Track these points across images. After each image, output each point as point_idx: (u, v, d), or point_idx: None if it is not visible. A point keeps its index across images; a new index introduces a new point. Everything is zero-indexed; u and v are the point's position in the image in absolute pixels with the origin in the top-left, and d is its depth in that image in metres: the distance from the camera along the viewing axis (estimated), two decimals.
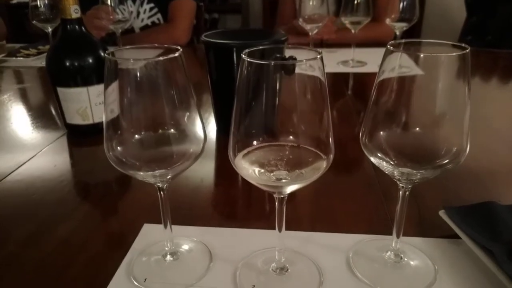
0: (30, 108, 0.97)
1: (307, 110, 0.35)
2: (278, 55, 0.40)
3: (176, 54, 0.35)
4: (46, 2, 1.30)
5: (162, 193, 0.41)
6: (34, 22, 1.30)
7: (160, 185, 0.40)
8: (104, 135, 0.37)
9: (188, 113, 0.38)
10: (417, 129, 0.38)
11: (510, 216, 0.46)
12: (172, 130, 0.38)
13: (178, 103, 0.38)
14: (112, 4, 1.22)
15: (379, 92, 0.37)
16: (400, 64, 0.35)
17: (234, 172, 0.37)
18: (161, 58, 0.34)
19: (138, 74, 0.35)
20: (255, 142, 0.37)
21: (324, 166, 0.35)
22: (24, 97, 1.06)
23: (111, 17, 1.22)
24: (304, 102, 0.35)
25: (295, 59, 0.41)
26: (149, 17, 1.59)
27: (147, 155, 0.39)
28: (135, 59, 0.33)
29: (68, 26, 0.70)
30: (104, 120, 0.37)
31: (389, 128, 0.38)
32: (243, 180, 0.37)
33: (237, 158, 0.36)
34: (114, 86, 0.35)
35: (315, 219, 0.52)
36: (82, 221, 0.53)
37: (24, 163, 0.68)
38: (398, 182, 0.39)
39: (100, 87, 0.73)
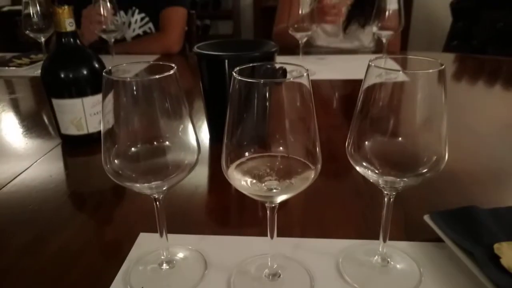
0: (23, 118, 0.98)
1: (295, 122, 0.37)
2: (268, 66, 0.42)
3: (171, 72, 0.36)
4: (39, 11, 1.29)
5: (157, 203, 0.42)
6: (27, 32, 1.30)
7: (156, 196, 0.41)
8: (102, 148, 0.39)
9: (182, 126, 0.40)
10: (400, 139, 0.40)
11: (490, 220, 0.48)
12: (167, 142, 0.40)
13: (173, 117, 0.39)
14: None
15: (363, 105, 0.39)
16: (383, 76, 0.38)
17: (227, 180, 0.39)
18: (156, 76, 0.36)
19: (134, 90, 0.37)
20: (246, 153, 0.38)
21: (312, 176, 0.37)
22: (17, 107, 1.07)
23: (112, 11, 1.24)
24: (292, 115, 0.37)
25: (285, 69, 0.44)
26: (140, 27, 1.60)
27: (143, 167, 0.41)
28: (131, 77, 0.35)
29: (63, 39, 0.71)
30: (102, 134, 0.39)
31: (373, 139, 0.40)
32: (236, 188, 0.39)
33: (229, 169, 0.38)
34: (110, 97, 0.37)
35: (306, 225, 0.54)
36: (79, 230, 0.55)
37: (21, 173, 0.69)
38: (382, 190, 0.41)
39: (94, 98, 0.74)
